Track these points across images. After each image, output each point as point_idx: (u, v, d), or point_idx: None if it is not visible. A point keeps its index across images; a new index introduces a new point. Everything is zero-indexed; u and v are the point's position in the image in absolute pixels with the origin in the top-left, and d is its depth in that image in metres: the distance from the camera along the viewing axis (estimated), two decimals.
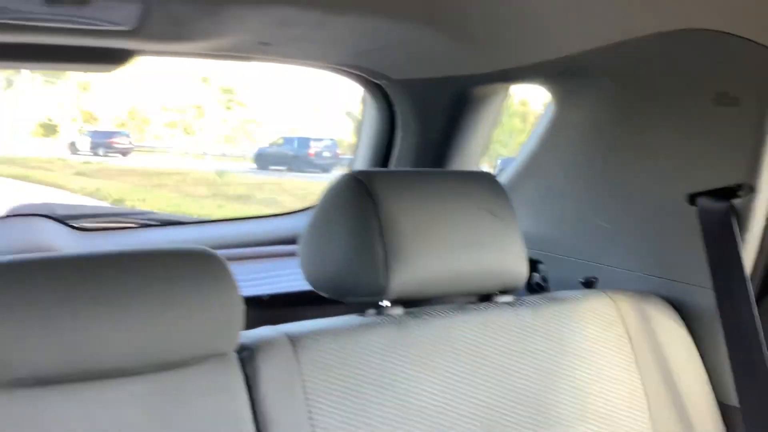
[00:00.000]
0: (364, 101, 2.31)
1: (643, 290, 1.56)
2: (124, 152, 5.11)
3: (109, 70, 1.77)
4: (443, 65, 1.84)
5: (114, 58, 1.72)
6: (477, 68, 1.77)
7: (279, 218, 2.48)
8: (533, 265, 1.77)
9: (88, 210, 2.57)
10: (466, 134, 2.08)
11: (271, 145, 5.51)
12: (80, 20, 1.42)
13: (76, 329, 0.99)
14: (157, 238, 2.28)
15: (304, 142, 5.09)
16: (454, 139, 2.09)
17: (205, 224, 2.46)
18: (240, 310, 1.12)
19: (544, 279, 1.91)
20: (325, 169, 5.09)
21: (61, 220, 2.19)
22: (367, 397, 1.23)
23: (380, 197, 1.31)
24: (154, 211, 2.49)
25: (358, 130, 2.42)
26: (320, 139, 5.22)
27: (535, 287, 1.90)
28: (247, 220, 2.53)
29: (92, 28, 1.48)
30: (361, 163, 2.37)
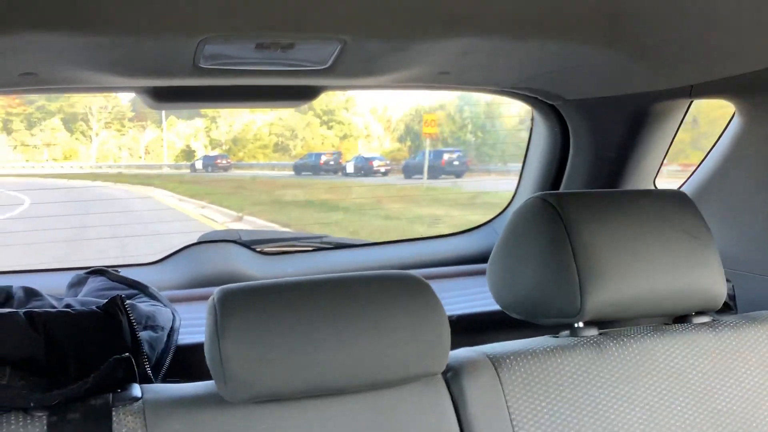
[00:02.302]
0: (533, 121, 2.33)
1: None
2: (225, 168, 6.57)
3: (299, 105, 1.89)
4: (621, 84, 1.82)
5: (306, 94, 1.85)
6: (657, 85, 1.75)
7: (449, 238, 2.53)
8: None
9: (269, 235, 2.72)
10: (643, 151, 2.05)
11: (411, 158, 6.20)
12: (283, 62, 1.54)
13: (307, 351, 1.07)
14: (335, 260, 2.39)
15: (439, 154, 5.94)
16: (630, 157, 2.06)
17: (377, 246, 2.54)
18: (447, 332, 1.17)
19: (732, 298, 1.84)
20: (458, 174, 5.95)
21: (247, 245, 2.34)
22: (568, 418, 1.25)
23: (571, 219, 1.32)
24: (328, 234, 2.60)
25: (526, 151, 2.43)
26: (451, 151, 5.99)
27: (723, 307, 1.84)
28: (414, 242, 2.60)
29: (292, 69, 1.60)
30: (530, 184, 2.38)
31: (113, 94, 1.95)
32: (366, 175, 6.16)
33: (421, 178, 6.04)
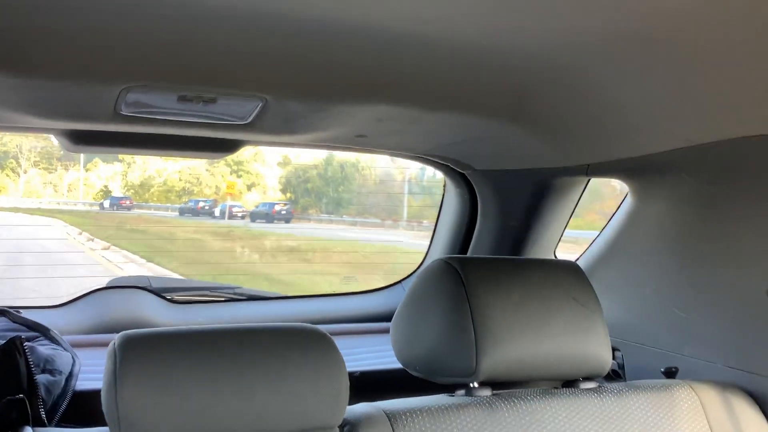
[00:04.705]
0: (445, 187, 2.42)
1: (724, 382, 1.59)
2: (129, 208, 8.01)
3: (219, 158, 1.92)
4: (526, 158, 1.94)
5: (226, 147, 1.88)
6: (559, 162, 1.87)
7: (359, 296, 2.58)
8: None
9: (181, 283, 2.70)
10: (545, 222, 2.17)
11: (256, 207, 7.99)
12: (205, 115, 1.58)
13: (206, 399, 1.08)
14: (246, 312, 2.40)
15: (271, 205, 7.92)
16: (533, 227, 2.18)
17: (288, 300, 2.56)
18: (346, 386, 1.20)
19: (621, 366, 1.94)
20: (287, 220, 7.85)
21: (157, 292, 2.32)
22: None
23: (471, 283, 1.39)
24: (241, 286, 2.60)
25: (438, 215, 2.52)
26: (281, 203, 7.96)
27: (612, 374, 1.94)
28: (326, 297, 2.63)
29: (213, 122, 1.64)
30: (441, 246, 2.47)
31: (44, 135, 1.95)
32: (230, 218, 7.65)
33: (263, 222, 7.80)
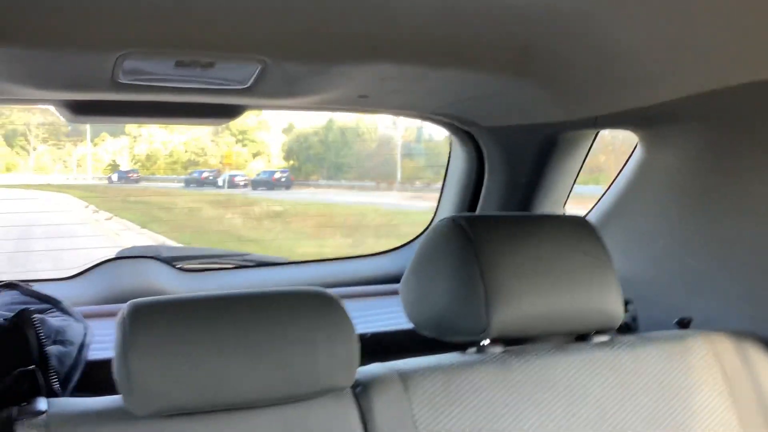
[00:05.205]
0: (451, 146, 2.40)
1: (739, 331, 1.58)
2: (136, 181, 8.21)
3: (221, 124, 1.91)
4: (533, 113, 1.91)
5: (227, 112, 1.86)
6: (566, 116, 1.84)
7: (369, 258, 2.58)
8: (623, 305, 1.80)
9: (190, 252, 2.70)
10: (553, 178, 2.14)
11: (257, 176, 8.12)
12: (203, 80, 1.56)
13: (216, 364, 1.09)
14: (255, 278, 2.40)
15: (271, 173, 8.05)
16: (541, 183, 2.16)
17: (298, 265, 2.56)
18: (356, 348, 1.20)
19: (634, 319, 1.93)
20: (287, 187, 8.03)
21: (167, 261, 2.32)
22: None
23: (480, 241, 1.38)
24: (250, 252, 2.60)
25: (445, 174, 2.50)
26: (281, 171, 8.08)
27: (625, 327, 1.93)
28: (335, 261, 2.63)
29: (212, 87, 1.62)
30: (449, 206, 2.45)
31: (50, 110, 1.97)
32: (231, 187, 7.82)
33: (264, 190, 7.99)
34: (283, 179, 8.06)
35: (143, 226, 6.69)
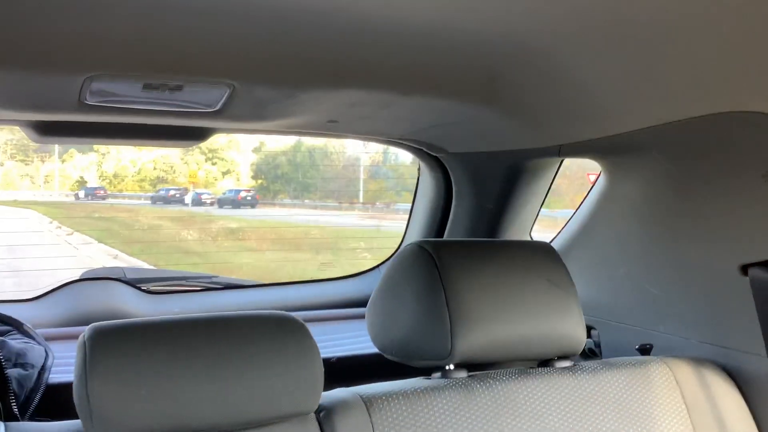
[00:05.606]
0: (420, 171, 2.42)
1: (698, 357, 1.60)
2: (103, 197, 8.35)
3: (189, 146, 1.90)
4: (499, 140, 1.94)
5: (195, 135, 1.86)
6: (532, 144, 1.87)
7: (335, 282, 2.58)
8: (586, 331, 1.82)
9: (156, 274, 2.68)
10: (519, 204, 2.17)
11: (223, 194, 8.26)
12: (171, 103, 1.56)
13: (178, 389, 1.08)
14: (222, 301, 2.38)
15: (237, 191, 8.24)
16: (508, 209, 2.18)
17: (265, 288, 2.55)
18: (321, 372, 1.20)
19: (597, 345, 1.96)
20: (252, 206, 8.20)
21: (132, 283, 2.30)
22: None
23: (445, 266, 1.39)
24: (217, 275, 2.59)
25: (413, 199, 2.52)
26: (246, 190, 8.26)
27: (588, 353, 1.95)
28: (302, 284, 2.62)
29: (181, 110, 1.62)
30: (417, 230, 2.47)
31: (18, 128, 1.95)
32: (197, 205, 8.00)
33: (230, 208, 8.17)
34: (248, 198, 8.29)
35: (100, 241, 6.94)
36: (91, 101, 1.52)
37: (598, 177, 1.96)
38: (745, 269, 1.52)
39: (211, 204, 8.03)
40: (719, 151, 1.52)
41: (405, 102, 1.72)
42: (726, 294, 1.58)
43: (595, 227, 1.96)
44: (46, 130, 1.77)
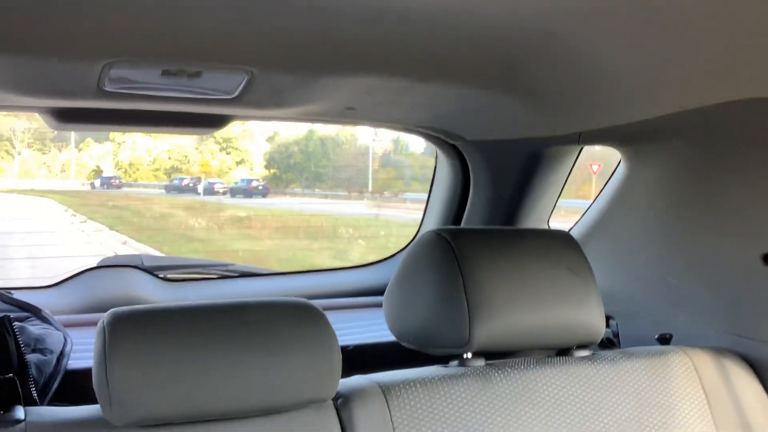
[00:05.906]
0: (437, 159, 2.41)
1: (718, 347, 1.59)
2: (118, 186, 8.57)
3: (207, 134, 1.91)
4: (517, 128, 1.92)
5: (213, 122, 1.86)
6: (550, 131, 1.85)
7: (352, 270, 2.58)
8: (605, 320, 1.81)
9: (173, 261, 2.69)
10: (537, 192, 2.16)
11: (235, 183, 8.37)
12: (190, 90, 1.56)
13: (197, 375, 1.08)
14: (238, 289, 2.39)
15: (249, 181, 8.31)
16: (525, 197, 2.17)
17: (281, 276, 2.56)
18: (338, 359, 1.20)
19: (615, 334, 1.95)
20: (264, 195, 8.33)
21: (149, 271, 2.31)
22: None
23: (464, 254, 1.38)
24: (234, 263, 2.60)
25: (430, 187, 2.51)
26: (257, 179, 8.37)
27: (606, 342, 1.94)
28: (319, 273, 2.63)
29: (199, 96, 1.62)
30: (434, 219, 2.46)
31: (36, 115, 1.96)
32: (210, 194, 8.08)
33: (241, 198, 8.21)
34: (260, 187, 8.34)
35: (111, 228, 7.17)
36: (109, 88, 1.52)
37: (617, 165, 1.94)
38: (766, 258, 1.50)
39: (224, 193, 8.06)
40: (741, 139, 1.51)
41: (422, 89, 1.71)
42: (747, 283, 1.56)
43: (614, 216, 1.94)
44: (65, 117, 1.78)
